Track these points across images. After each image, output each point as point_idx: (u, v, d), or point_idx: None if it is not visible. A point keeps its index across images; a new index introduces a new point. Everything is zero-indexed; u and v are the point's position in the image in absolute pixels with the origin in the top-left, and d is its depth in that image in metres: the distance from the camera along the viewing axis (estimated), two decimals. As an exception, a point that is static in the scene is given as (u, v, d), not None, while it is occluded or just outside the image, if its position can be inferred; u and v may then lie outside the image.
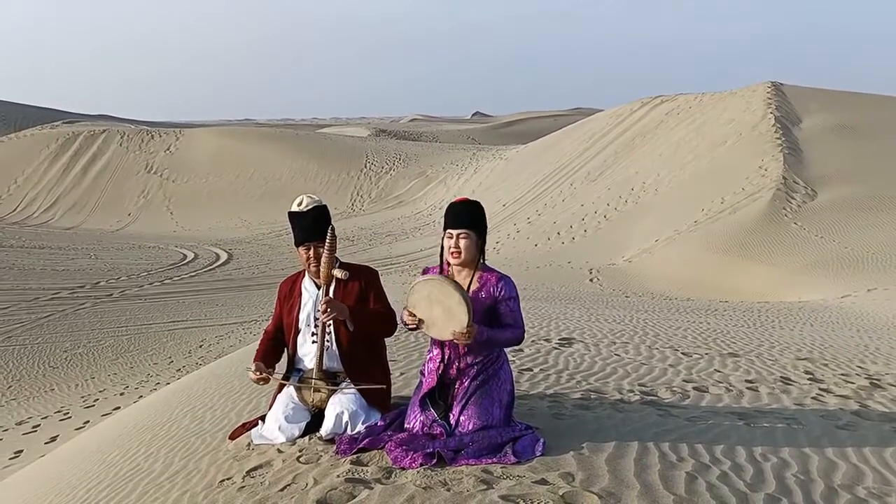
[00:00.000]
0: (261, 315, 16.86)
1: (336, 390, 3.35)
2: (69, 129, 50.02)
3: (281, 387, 3.45)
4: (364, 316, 3.35)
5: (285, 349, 3.58)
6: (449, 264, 3.29)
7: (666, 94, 32.92)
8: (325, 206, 3.47)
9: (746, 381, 5.01)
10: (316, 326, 3.39)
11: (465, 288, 3.21)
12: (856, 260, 15.57)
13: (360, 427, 3.21)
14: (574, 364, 5.25)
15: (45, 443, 9.08)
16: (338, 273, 3.31)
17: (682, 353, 6.00)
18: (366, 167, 40.75)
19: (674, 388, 4.61)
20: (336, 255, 3.37)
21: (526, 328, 3.41)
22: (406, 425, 3.17)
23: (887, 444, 3.59)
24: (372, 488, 2.70)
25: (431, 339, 3.31)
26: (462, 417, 3.09)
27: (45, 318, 16.71)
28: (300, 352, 3.51)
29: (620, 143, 30.04)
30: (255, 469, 3.01)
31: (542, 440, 3.05)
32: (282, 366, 3.58)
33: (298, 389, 3.40)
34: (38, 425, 10.05)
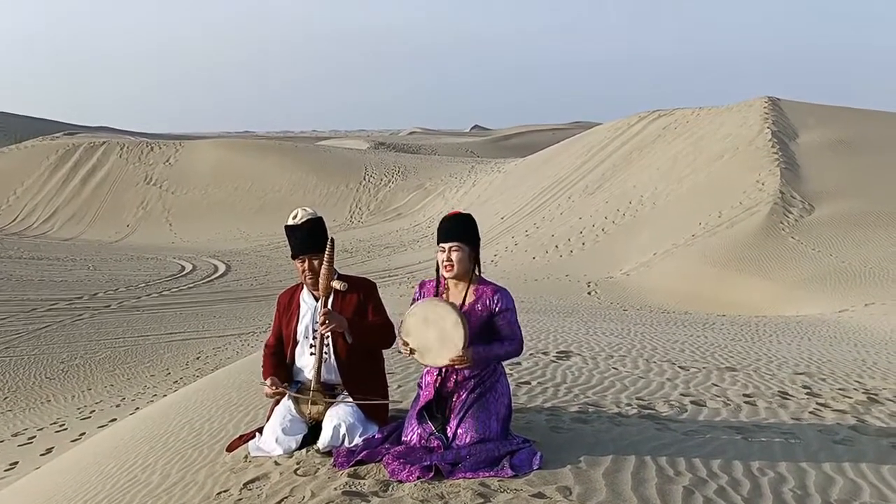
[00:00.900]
0: (258, 327, 16.83)
1: (334, 403, 3.36)
2: (69, 141, 50.14)
3: (278, 399, 3.45)
4: (362, 328, 3.36)
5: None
6: (444, 278, 3.31)
7: (663, 109, 33.10)
8: (320, 219, 3.49)
9: (744, 395, 5.02)
10: (314, 338, 3.40)
11: (461, 301, 3.23)
12: (853, 275, 15.59)
13: (358, 440, 3.20)
14: (572, 377, 5.25)
15: (41, 454, 9.02)
16: (337, 284, 3.32)
17: (679, 367, 6.01)
18: (365, 179, 40.85)
19: (671, 402, 4.61)
20: (335, 266, 3.39)
21: (525, 341, 3.42)
22: (403, 438, 3.17)
23: (885, 460, 3.59)
24: (369, 501, 2.70)
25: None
26: (459, 430, 3.09)
27: (43, 329, 16.66)
28: (298, 363, 3.51)
29: (618, 157, 30.16)
30: (252, 481, 3.01)
31: (539, 454, 3.05)
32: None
33: (296, 401, 3.40)
34: (34, 437, 9.99)
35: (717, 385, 5.33)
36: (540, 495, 2.72)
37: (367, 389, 3.38)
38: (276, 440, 3.29)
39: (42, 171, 44.08)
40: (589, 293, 17.89)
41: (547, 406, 4.23)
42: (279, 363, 3.55)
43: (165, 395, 11.26)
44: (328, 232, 3.50)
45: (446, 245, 3.24)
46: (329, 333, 3.33)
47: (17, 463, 8.79)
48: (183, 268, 26.45)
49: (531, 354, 5.93)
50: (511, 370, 5.11)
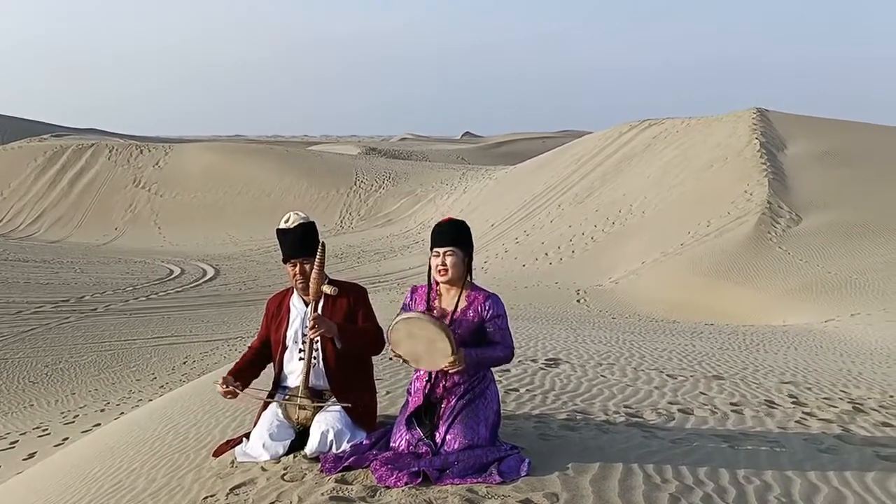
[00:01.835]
0: (247, 332, 16.74)
1: (322, 408, 3.35)
2: (57, 143, 49.79)
3: (266, 404, 3.44)
4: (352, 333, 3.36)
5: (271, 366, 3.57)
6: (437, 283, 3.31)
7: (653, 118, 33.35)
8: (312, 223, 3.49)
9: (731, 403, 5.05)
10: (303, 343, 3.39)
11: (454, 306, 3.23)
12: (839, 285, 15.74)
13: (346, 446, 3.19)
14: (560, 385, 5.26)
15: (24, 459, 8.91)
16: (327, 289, 3.32)
17: (667, 376, 6.04)
18: (355, 185, 40.81)
19: (659, 410, 4.63)
20: (325, 271, 3.38)
21: (514, 348, 3.42)
22: (392, 444, 3.17)
23: (869, 469, 3.62)
24: (356, 507, 2.69)
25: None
26: (448, 436, 3.09)
27: (28, 333, 16.48)
28: (286, 369, 3.50)
29: (608, 166, 30.34)
30: (238, 486, 2.99)
31: (527, 460, 3.05)
32: (265, 383, 3.57)
33: (283, 407, 3.39)
34: (17, 441, 9.88)
35: (704, 393, 5.35)
36: (527, 501, 2.72)
37: (356, 395, 3.37)
38: (264, 445, 3.28)
39: (29, 172, 43.71)
40: (578, 301, 17.94)
41: (535, 413, 4.24)
42: (249, 366, 3.54)
43: (151, 400, 11.17)
44: (320, 236, 3.50)
45: (441, 249, 3.25)
46: (318, 338, 3.33)
47: (-1, 467, 8.68)
48: (171, 271, 26.28)
49: (520, 362, 5.94)
50: (500, 377, 5.12)
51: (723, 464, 3.43)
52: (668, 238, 20.83)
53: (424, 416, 3.18)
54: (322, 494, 2.79)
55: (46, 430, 10.35)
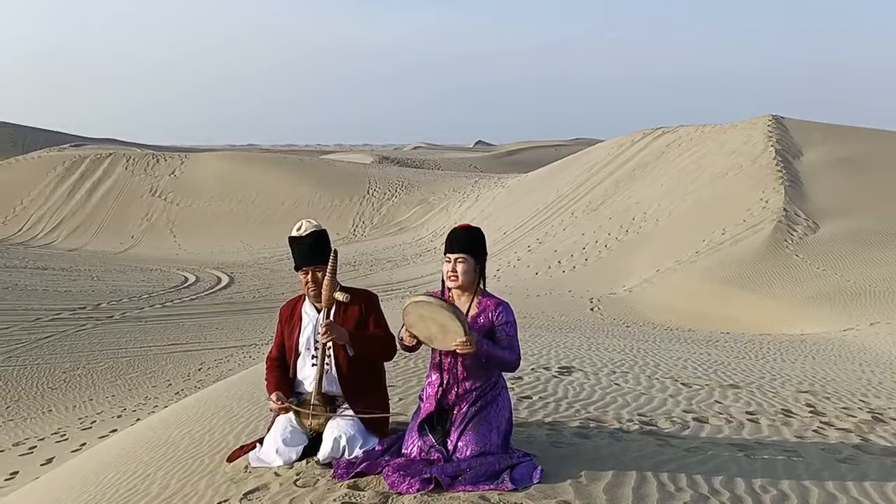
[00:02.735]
0: (261, 339, 16.82)
1: (334, 415, 3.35)
2: (76, 152, 50.50)
3: (280, 410, 3.45)
4: (364, 340, 3.37)
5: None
6: (449, 289, 3.32)
7: (667, 126, 33.21)
8: (324, 231, 3.51)
9: (747, 412, 4.99)
10: (316, 350, 3.41)
11: (465, 313, 3.23)
12: (858, 293, 15.53)
13: (358, 452, 3.20)
14: (573, 393, 5.23)
15: (41, 464, 9.00)
16: (339, 296, 3.33)
17: (682, 384, 5.98)
18: (368, 193, 40.98)
19: (673, 419, 4.58)
20: (337, 278, 3.40)
21: (525, 356, 3.42)
22: (404, 450, 3.16)
23: (889, 478, 3.57)
24: (369, 513, 2.69)
25: (430, 364, 3.32)
26: (460, 443, 3.08)
27: (46, 339, 16.68)
28: (300, 375, 3.52)
29: (622, 174, 30.22)
30: (251, 492, 3.00)
31: (539, 468, 3.04)
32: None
33: (297, 413, 3.40)
34: (35, 446, 9.97)
35: (719, 402, 5.30)
36: (540, 509, 2.70)
37: (368, 402, 3.38)
38: (277, 451, 3.29)
39: (48, 181, 44.36)
40: (591, 309, 17.84)
41: (548, 421, 4.22)
42: (283, 377, 3.55)
43: (167, 406, 11.25)
44: (331, 244, 3.52)
45: (453, 256, 3.25)
46: (330, 344, 3.34)
47: (17, 472, 8.77)
48: (186, 279, 26.50)
49: (533, 369, 5.91)
50: (512, 385, 5.10)
51: (738, 473, 3.39)
52: (682, 246, 20.69)
53: (436, 422, 3.18)
54: (334, 500, 2.79)
55: (64, 435, 10.44)
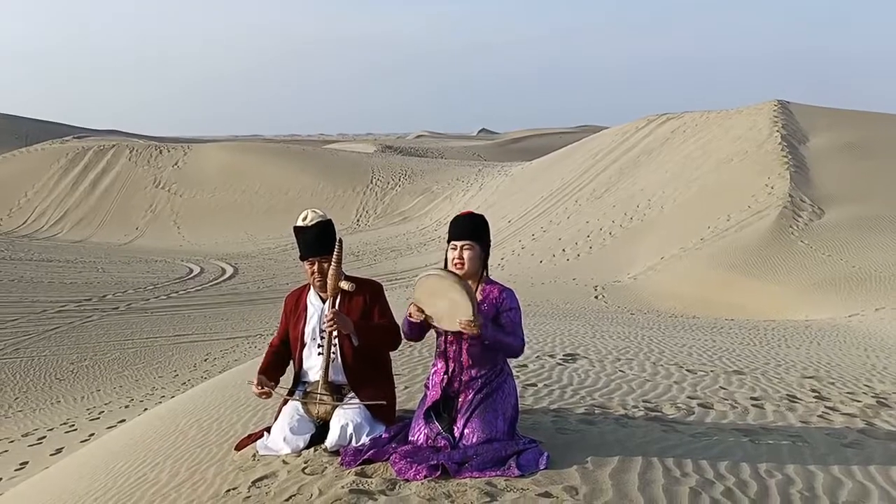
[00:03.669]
0: (266, 329, 16.89)
1: (341, 403, 3.38)
2: (79, 144, 50.55)
3: (285, 400, 3.48)
4: (369, 330, 3.38)
5: (291, 363, 3.61)
6: (454, 276, 3.32)
7: (672, 112, 33.04)
8: (329, 221, 3.51)
9: (752, 398, 5.00)
10: (322, 339, 3.42)
11: None
12: (863, 279, 15.49)
13: (365, 439, 3.22)
14: (578, 380, 5.25)
15: (51, 454, 9.09)
16: (344, 285, 3.34)
17: (686, 370, 5.99)
18: (371, 183, 40.96)
19: (678, 405, 4.60)
20: (342, 268, 3.41)
21: (529, 344, 3.43)
22: (410, 438, 3.19)
23: (894, 463, 3.57)
24: (376, 500, 2.72)
25: (436, 352, 3.34)
26: (466, 430, 3.10)
27: (52, 331, 16.79)
28: (306, 365, 3.53)
29: (626, 161, 30.12)
30: (260, 479, 3.03)
31: (546, 454, 3.05)
32: (287, 379, 3.61)
33: (304, 402, 3.43)
34: (44, 437, 10.07)
35: (724, 388, 5.31)
36: (547, 495, 2.72)
37: (374, 390, 3.40)
38: (284, 439, 3.31)
39: (52, 173, 44.45)
40: (596, 297, 17.85)
41: (553, 408, 4.24)
42: (275, 363, 3.57)
43: (173, 397, 11.33)
44: (337, 234, 3.52)
45: (458, 243, 3.26)
46: (336, 334, 3.36)
47: (27, 463, 8.86)
48: (191, 270, 26.59)
49: (537, 357, 5.93)
50: (517, 372, 5.12)
51: (743, 458, 3.40)
52: (687, 233, 20.64)
53: (443, 409, 3.19)
54: (342, 487, 2.81)
55: (73, 426, 10.54)
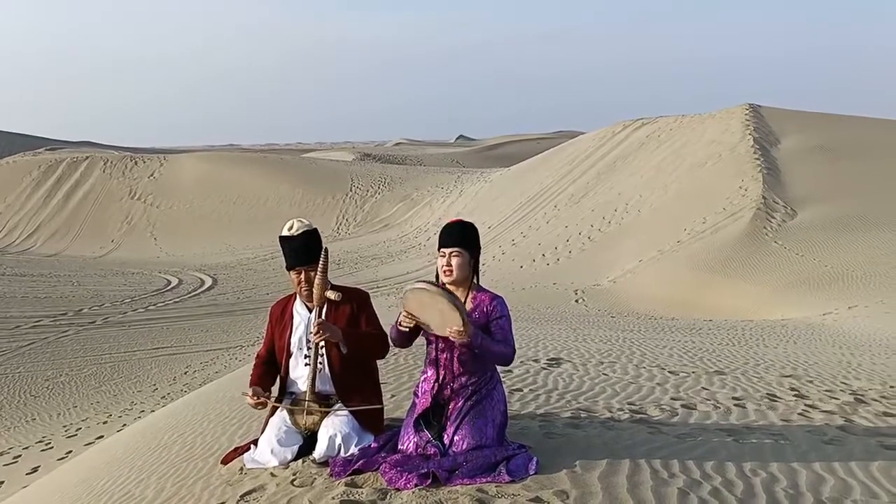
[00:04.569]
0: (247, 340, 16.72)
1: (329, 413, 3.36)
2: (52, 156, 49.75)
3: (273, 410, 3.45)
4: (356, 338, 3.38)
5: (278, 373, 3.59)
6: (444, 284, 3.33)
7: (647, 117, 33.47)
8: (315, 230, 3.51)
9: (733, 398, 5.07)
10: (308, 349, 3.41)
11: None
12: (836, 278, 15.80)
13: (354, 449, 3.21)
14: (563, 384, 5.28)
15: (27, 473, 8.91)
16: (331, 294, 3.33)
17: (669, 372, 6.06)
18: (351, 191, 40.85)
19: (662, 406, 4.65)
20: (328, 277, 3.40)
21: (515, 349, 3.44)
22: (400, 447, 3.18)
23: (873, 458, 3.65)
24: (367, 510, 2.70)
25: (426, 360, 3.34)
26: (456, 437, 3.11)
27: (27, 347, 16.45)
28: (292, 375, 3.51)
29: (603, 165, 30.43)
30: (249, 493, 3.00)
31: (535, 459, 3.07)
32: (274, 389, 3.58)
33: (291, 413, 3.40)
34: (20, 455, 9.86)
35: (706, 388, 5.38)
36: (537, 500, 2.74)
37: (362, 398, 3.39)
38: (272, 451, 3.29)
39: (25, 186, 43.67)
40: (576, 301, 17.98)
41: (540, 413, 4.26)
42: (266, 374, 3.55)
43: (153, 411, 11.16)
44: (322, 243, 3.52)
45: (447, 250, 3.27)
46: (323, 343, 3.34)
47: (2, 483, 8.67)
48: (169, 282, 26.26)
49: (522, 362, 5.96)
50: (503, 377, 5.13)
51: (728, 457, 3.45)
52: (664, 236, 20.90)
53: (432, 417, 3.20)
54: (333, 499, 2.80)
55: (49, 443, 10.33)
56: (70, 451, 9.64)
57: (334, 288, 3.39)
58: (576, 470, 3.04)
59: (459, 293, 3.29)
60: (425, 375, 3.32)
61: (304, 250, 3.42)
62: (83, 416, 11.87)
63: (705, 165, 24.77)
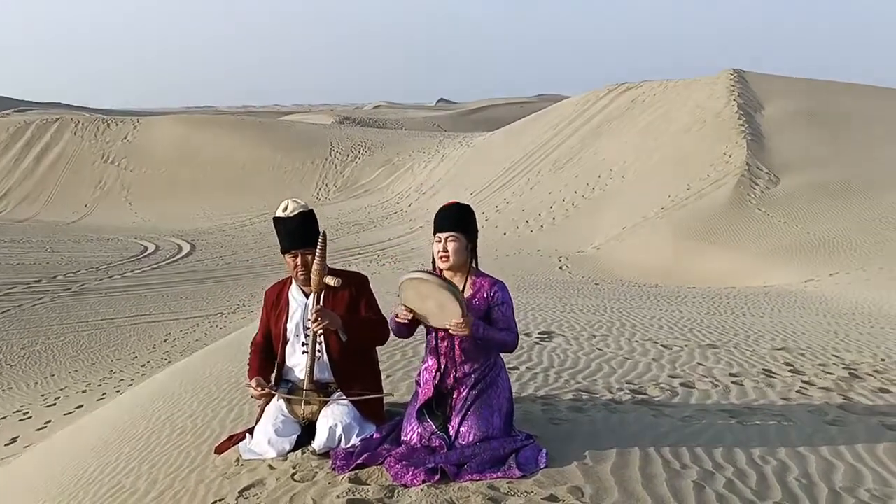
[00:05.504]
0: (227, 307, 16.50)
1: (328, 402, 3.23)
2: (20, 118, 48.19)
3: (270, 398, 3.31)
4: (357, 325, 3.23)
5: (276, 360, 3.44)
6: (440, 270, 3.19)
7: (631, 82, 33.17)
8: (311, 211, 3.33)
9: (730, 374, 5.05)
10: (306, 336, 3.26)
11: None
12: (818, 245, 15.95)
13: (355, 440, 3.09)
14: (559, 361, 5.21)
15: (6, 444, 8.73)
16: (330, 281, 3.17)
17: (662, 346, 6.02)
18: (330, 155, 40.17)
19: (662, 385, 4.60)
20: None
21: (519, 335, 3.32)
22: (403, 438, 3.06)
23: (878, 440, 3.63)
24: (374, 508, 2.59)
25: (427, 348, 3.21)
26: (462, 429, 3.00)
27: (0, 315, 16.07)
28: (289, 362, 3.37)
29: (587, 131, 30.20)
30: (247, 489, 2.87)
31: (544, 451, 2.97)
32: (271, 377, 3.44)
33: (288, 402, 3.26)
34: (-2, 427, 9.65)
35: (702, 364, 5.35)
36: (552, 498, 2.64)
37: (362, 386, 3.26)
38: (269, 442, 3.16)
39: (-8, 149, 42.29)
40: (560, 268, 17.98)
41: (540, 395, 4.18)
42: (266, 362, 3.40)
43: (133, 380, 10.98)
44: (319, 225, 3.34)
45: (442, 235, 3.11)
46: (321, 330, 3.19)
47: (-19, 456, 8.47)
48: (146, 248, 25.77)
49: (515, 337, 5.86)
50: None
51: (736, 443, 3.40)
52: (648, 202, 20.88)
53: (436, 407, 3.08)
54: (338, 496, 2.68)
55: (27, 413, 10.14)
56: (49, 421, 9.47)
57: (333, 273, 3.22)
58: (587, 462, 2.95)
59: (457, 279, 3.14)
60: (426, 364, 3.19)
61: (300, 232, 3.23)
62: (61, 385, 11.65)
63: (690, 131, 24.69)
